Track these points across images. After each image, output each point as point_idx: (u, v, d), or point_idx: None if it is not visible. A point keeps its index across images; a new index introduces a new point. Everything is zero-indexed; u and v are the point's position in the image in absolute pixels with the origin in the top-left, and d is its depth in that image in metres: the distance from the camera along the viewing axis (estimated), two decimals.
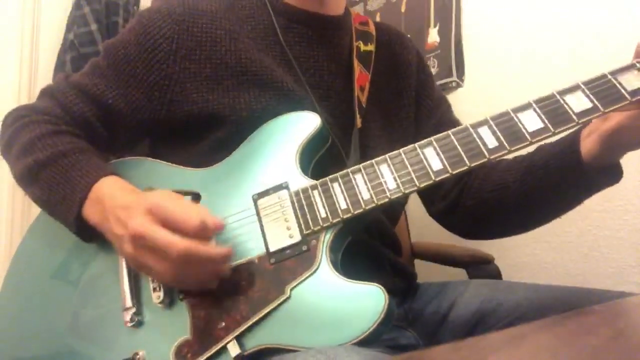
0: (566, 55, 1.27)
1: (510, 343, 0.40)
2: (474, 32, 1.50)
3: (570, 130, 0.62)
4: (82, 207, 0.66)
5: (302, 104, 0.75)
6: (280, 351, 0.58)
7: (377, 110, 0.85)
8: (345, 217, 0.63)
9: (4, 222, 1.75)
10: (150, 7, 0.81)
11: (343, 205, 0.63)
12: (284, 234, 0.64)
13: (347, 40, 0.86)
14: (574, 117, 0.58)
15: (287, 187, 0.66)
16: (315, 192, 0.65)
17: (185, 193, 0.66)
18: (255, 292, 0.62)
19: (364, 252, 0.73)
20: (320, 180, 0.66)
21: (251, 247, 0.65)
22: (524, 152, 0.68)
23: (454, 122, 0.93)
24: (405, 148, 0.64)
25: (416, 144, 0.64)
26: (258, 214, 0.66)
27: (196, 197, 0.68)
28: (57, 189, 0.68)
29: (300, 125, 0.71)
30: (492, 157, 0.60)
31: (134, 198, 0.63)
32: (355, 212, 0.62)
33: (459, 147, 0.61)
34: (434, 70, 1.56)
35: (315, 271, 0.61)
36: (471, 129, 0.62)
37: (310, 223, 0.64)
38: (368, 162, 0.65)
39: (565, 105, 0.59)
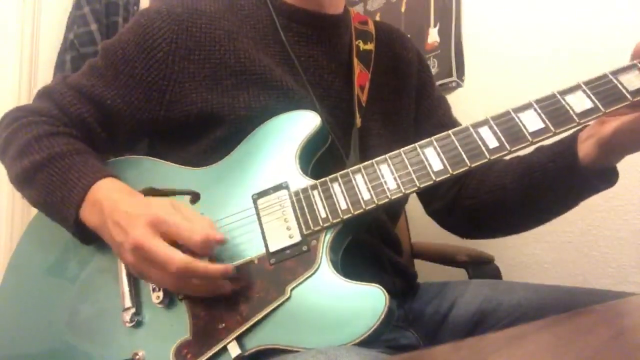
0: (566, 55, 1.27)
1: (510, 343, 0.40)
2: (474, 32, 1.50)
3: (570, 131, 0.62)
4: (79, 209, 0.66)
5: (302, 103, 0.75)
6: (280, 352, 0.58)
7: (377, 110, 0.85)
8: (345, 217, 0.63)
9: (4, 222, 1.75)
10: (149, 7, 0.80)
11: (343, 206, 0.63)
12: (283, 234, 0.64)
13: (346, 39, 0.86)
14: (575, 117, 0.58)
15: (286, 187, 0.66)
16: (315, 192, 0.65)
17: (185, 193, 0.66)
18: (256, 292, 0.62)
19: (364, 252, 0.73)
20: (320, 180, 0.66)
21: (251, 247, 0.65)
22: (523, 152, 0.68)
23: (454, 123, 0.93)
24: (406, 148, 0.64)
25: (417, 144, 0.64)
26: (258, 213, 0.66)
27: (195, 197, 0.67)
28: (54, 191, 0.67)
29: (300, 124, 0.70)
30: (492, 157, 0.60)
31: (134, 203, 0.63)
32: (356, 213, 0.62)
33: (459, 147, 0.61)
34: (434, 70, 1.56)
35: (315, 271, 0.61)
36: (472, 129, 0.62)
37: (310, 223, 0.63)
38: (368, 162, 0.64)
39: (566, 106, 0.59)
